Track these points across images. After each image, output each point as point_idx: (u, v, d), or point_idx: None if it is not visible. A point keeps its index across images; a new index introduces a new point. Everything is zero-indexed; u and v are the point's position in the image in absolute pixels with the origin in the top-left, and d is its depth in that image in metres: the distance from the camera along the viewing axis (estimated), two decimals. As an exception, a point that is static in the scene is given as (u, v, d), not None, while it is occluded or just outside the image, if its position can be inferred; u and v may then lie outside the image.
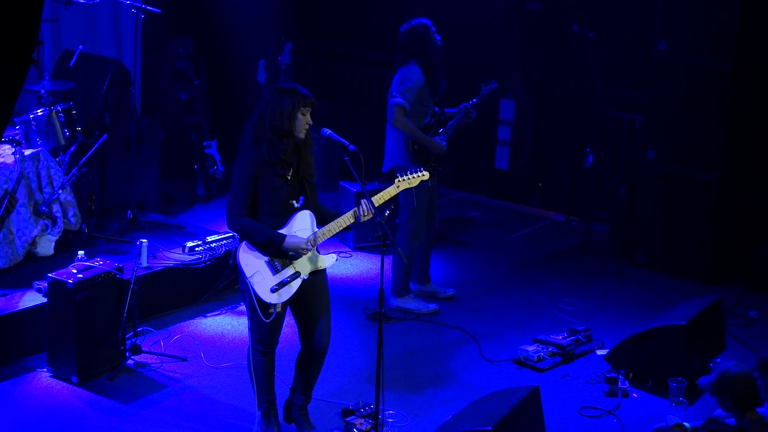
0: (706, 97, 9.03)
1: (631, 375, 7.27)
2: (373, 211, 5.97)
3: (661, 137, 9.34)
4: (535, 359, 7.53)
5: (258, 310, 5.93)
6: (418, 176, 6.30)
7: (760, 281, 9.06)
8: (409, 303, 8.35)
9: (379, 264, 5.82)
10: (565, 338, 7.76)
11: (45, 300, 7.18)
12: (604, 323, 8.31)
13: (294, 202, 6.01)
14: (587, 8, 10.56)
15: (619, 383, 7.16)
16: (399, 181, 6.24)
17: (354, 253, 9.56)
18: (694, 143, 9.15)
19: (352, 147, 5.94)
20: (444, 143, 8.09)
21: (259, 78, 10.44)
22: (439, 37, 8.09)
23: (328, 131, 6.05)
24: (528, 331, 8.12)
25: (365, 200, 5.98)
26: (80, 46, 9.05)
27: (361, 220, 6.04)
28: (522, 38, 11.33)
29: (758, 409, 5.64)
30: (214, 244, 8.46)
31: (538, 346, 7.70)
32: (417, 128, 7.99)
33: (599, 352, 7.73)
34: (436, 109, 8.17)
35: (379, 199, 6.08)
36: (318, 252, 6.13)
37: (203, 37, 11.31)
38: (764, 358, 5.83)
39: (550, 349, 7.66)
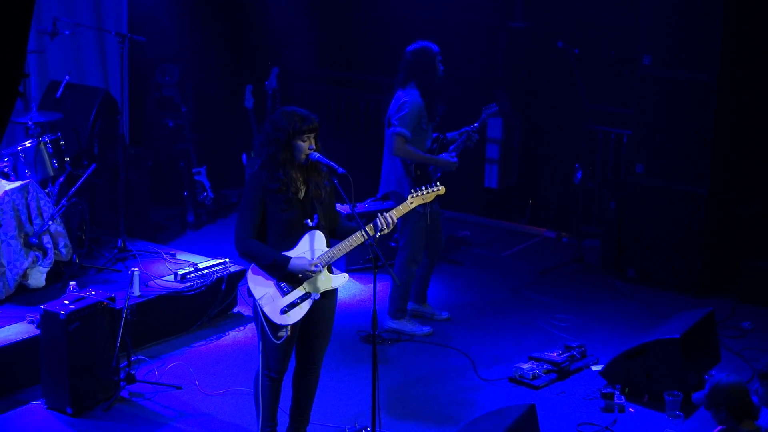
0: (692, 110, 9.06)
1: (626, 390, 7.26)
2: (388, 229, 5.94)
3: (648, 151, 9.36)
4: (531, 377, 7.53)
5: (268, 332, 5.93)
6: (434, 192, 6.23)
7: (752, 292, 9.07)
8: (405, 325, 8.34)
9: (372, 286, 5.82)
10: (559, 355, 7.76)
11: (38, 332, 7.15)
12: (597, 339, 8.31)
13: (309, 221, 5.99)
14: (571, 25, 10.60)
15: (615, 398, 7.16)
16: (412, 196, 6.18)
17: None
18: (681, 156, 9.17)
19: (340, 170, 5.92)
20: (455, 159, 8.11)
21: (247, 103, 10.45)
22: (441, 67, 8.10)
23: (316, 155, 6.04)
24: (522, 348, 8.11)
25: (378, 219, 5.94)
26: (66, 77, 9.06)
27: (381, 233, 5.94)
28: (507, 56, 11.37)
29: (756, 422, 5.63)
30: (205, 270, 8.44)
31: (533, 364, 7.69)
32: (421, 152, 8.00)
33: (594, 368, 7.73)
34: (438, 134, 8.19)
35: (388, 218, 6.00)
36: (331, 271, 6.12)
37: (189, 64, 11.33)
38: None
39: (545, 366, 7.66)
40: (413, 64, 8.02)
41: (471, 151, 8.58)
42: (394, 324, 8.33)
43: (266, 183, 5.90)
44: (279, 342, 5.95)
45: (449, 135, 8.29)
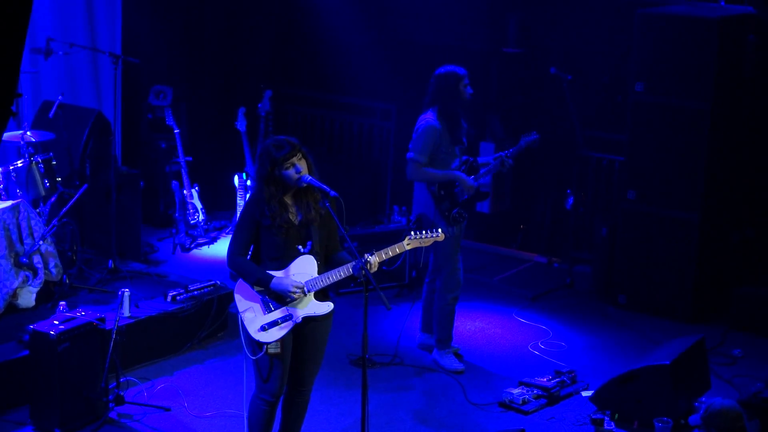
0: (685, 136, 9.08)
1: (616, 416, 7.25)
2: (371, 271, 5.85)
3: (640, 178, 9.38)
4: (521, 402, 7.52)
5: (245, 345, 5.95)
6: (432, 237, 6.04)
7: (743, 319, 9.07)
8: (443, 358, 8.21)
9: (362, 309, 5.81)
10: (549, 380, 7.75)
11: (26, 352, 7.13)
12: (588, 364, 8.30)
13: (300, 246, 6.00)
14: (564, 51, 10.64)
15: (605, 424, 7.14)
16: (409, 239, 6.05)
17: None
18: (673, 183, 9.19)
19: (333, 193, 5.93)
20: (471, 179, 8.04)
21: (239, 125, 10.46)
22: (470, 90, 8.06)
23: (308, 178, 6.03)
24: (512, 373, 8.10)
25: (363, 260, 5.83)
26: (59, 97, 9.05)
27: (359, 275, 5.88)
28: (500, 81, 11.39)
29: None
30: (196, 292, 8.43)
31: (523, 389, 7.68)
32: (436, 171, 7.93)
33: (584, 394, 7.72)
34: (468, 157, 8.13)
35: (383, 255, 5.95)
36: (328, 298, 6.12)
37: (182, 86, 11.34)
38: (747, 398, 5.83)
39: (535, 391, 7.65)
40: (436, 87, 8.00)
41: (504, 176, 8.49)
42: (437, 356, 8.22)
43: (260, 218, 5.94)
44: (255, 357, 5.94)
45: (481, 159, 8.25)
